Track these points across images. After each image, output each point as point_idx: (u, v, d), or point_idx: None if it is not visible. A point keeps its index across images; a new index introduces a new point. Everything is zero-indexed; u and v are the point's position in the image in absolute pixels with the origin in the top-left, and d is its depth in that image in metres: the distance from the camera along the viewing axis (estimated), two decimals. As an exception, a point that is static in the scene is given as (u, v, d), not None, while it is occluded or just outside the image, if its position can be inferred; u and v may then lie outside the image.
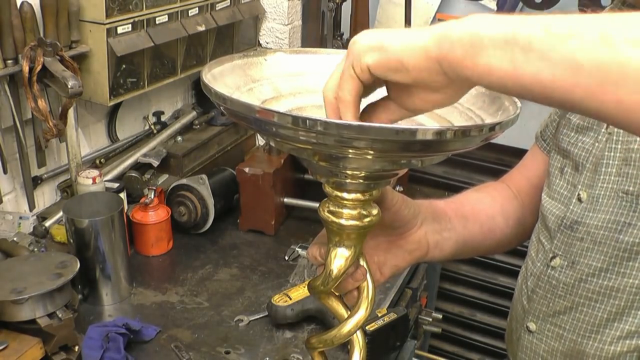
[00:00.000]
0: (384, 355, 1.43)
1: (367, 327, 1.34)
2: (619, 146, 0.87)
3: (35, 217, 1.67)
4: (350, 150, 0.56)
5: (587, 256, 0.92)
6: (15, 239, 1.51)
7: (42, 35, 1.45)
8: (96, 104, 1.69)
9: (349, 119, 0.57)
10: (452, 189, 2.17)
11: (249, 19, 2.08)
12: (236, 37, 2.04)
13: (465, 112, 0.68)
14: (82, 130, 1.75)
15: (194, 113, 2.05)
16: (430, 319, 1.81)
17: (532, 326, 1.02)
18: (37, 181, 1.66)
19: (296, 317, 1.43)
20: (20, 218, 1.62)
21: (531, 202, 1.04)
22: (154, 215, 1.67)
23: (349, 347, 0.75)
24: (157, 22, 1.66)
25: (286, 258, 1.72)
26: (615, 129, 0.88)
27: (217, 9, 1.88)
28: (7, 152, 1.53)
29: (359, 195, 0.65)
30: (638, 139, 0.85)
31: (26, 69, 1.39)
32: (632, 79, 0.44)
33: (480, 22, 0.51)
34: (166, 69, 1.79)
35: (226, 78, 0.68)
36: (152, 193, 1.67)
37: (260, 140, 2.21)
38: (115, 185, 1.68)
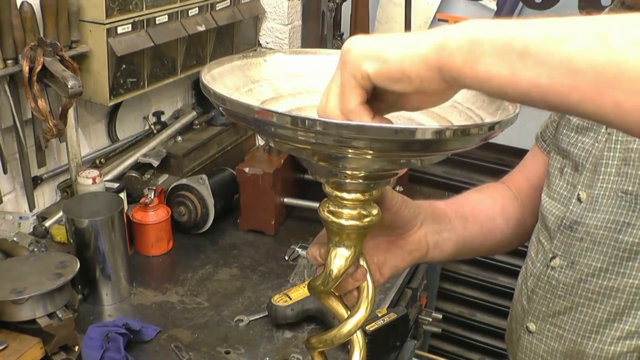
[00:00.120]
0: (384, 355, 1.43)
1: (367, 327, 1.34)
2: (619, 146, 0.87)
3: (35, 217, 1.67)
4: (350, 150, 0.56)
5: (586, 256, 0.92)
6: (15, 239, 1.51)
7: (42, 35, 1.45)
8: (96, 104, 1.69)
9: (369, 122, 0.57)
10: (452, 189, 2.17)
11: (249, 19, 2.08)
12: (236, 37, 2.04)
13: (464, 111, 0.68)
14: (82, 130, 1.75)
15: (194, 113, 2.05)
16: (430, 319, 1.81)
17: (532, 326, 1.02)
18: (37, 181, 1.66)
19: (296, 317, 1.43)
20: (20, 218, 1.62)
21: (531, 202, 1.04)
22: (154, 215, 1.67)
23: (349, 347, 0.75)
24: (157, 22, 1.67)
25: (286, 258, 1.72)
26: (615, 130, 0.88)
27: (217, 9, 1.88)
28: (7, 152, 1.53)
29: (358, 195, 0.65)
30: (637, 139, 0.85)
31: (26, 69, 1.39)
32: (628, 81, 0.44)
33: (477, 28, 0.50)
34: (166, 69, 1.79)
35: (225, 79, 0.68)
36: (152, 193, 1.67)
37: (260, 140, 2.21)
38: (115, 185, 1.68)
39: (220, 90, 0.61)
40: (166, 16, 1.69)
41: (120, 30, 1.56)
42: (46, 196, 1.73)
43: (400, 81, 0.53)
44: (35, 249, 1.51)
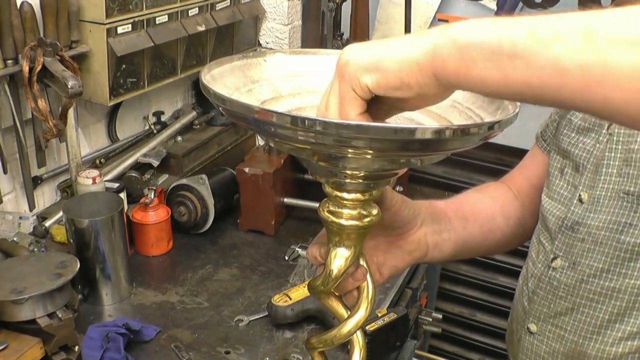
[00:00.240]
0: (384, 355, 1.43)
1: (367, 327, 1.34)
2: (620, 147, 0.87)
3: (35, 217, 1.67)
4: (350, 150, 0.56)
5: (588, 257, 0.92)
6: (15, 239, 1.51)
7: (42, 35, 1.45)
8: (96, 104, 1.69)
9: None
10: (452, 189, 2.17)
11: (249, 19, 2.08)
12: (236, 37, 2.04)
13: (464, 111, 0.68)
14: (82, 130, 1.75)
15: (194, 113, 2.05)
16: (430, 319, 1.81)
17: (533, 327, 1.01)
18: (37, 181, 1.66)
19: (296, 317, 1.43)
20: (20, 218, 1.62)
21: (531, 202, 1.04)
22: (154, 215, 1.67)
23: (349, 347, 0.74)
24: (157, 22, 1.67)
25: (286, 258, 1.72)
26: (616, 130, 0.88)
27: (217, 9, 1.88)
28: (7, 152, 1.53)
29: (358, 195, 0.65)
30: (638, 139, 0.85)
31: (26, 69, 1.39)
32: (614, 77, 0.45)
33: (465, 31, 0.51)
34: (166, 69, 1.79)
35: (225, 79, 0.68)
36: (152, 193, 1.67)
37: (260, 140, 2.21)
38: (115, 185, 1.68)
39: (220, 90, 0.61)
40: (166, 16, 1.69)
41: (120, 30, 1.56)
42: (46, 196, 1.73)
43: (400, 89, 0.55)
44: (35, 249, 1.51)
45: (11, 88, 1.45)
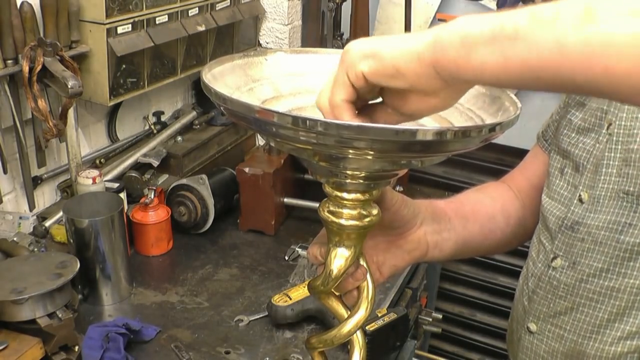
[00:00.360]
0: (384, 355, 1.43)
1: (367, 327, 1.34)
2: (619, 147, 0.87)
3: (35, 217, 1.67)
4: (350, 151, 0.56)
5: (587, 257, 0.92)
6: (15, 239, 1.51)
7: (42, 35, 1.45)
8: (96, 104, 1.69)
9: (347, 120, 0.57)
10: (452, 189, 2.17)
11: (249, 19, 2.08)
12: (236, 37, 2.04)
13: (465, 112, 0.68)
14: (82, 130, 1.75)
15: (194, 113, 2.05)
16: (430, 319, 1.81)
17: (533, 327, 1.01)
18: (37, 181, 1.66)
19: (296, 317, 1.43)
20: (20, 218, 1.62)
21: (532, 202, 1.04)
22: (154, 215, 1.67)
23: (349, 347, 0.74)
24: (157, 22, 1.66)
25: (286, 258, 1.72)
26: (615, 130, 0.88)
27: (217, 9, 1.88)
28: (7, 152, 1.53)
29: (359, 196, 0.65)
30: (638, 139, 0.85)
31: (26, 69, 1.39)
32: (616, 45, 0.46)
33: (469, 22, 0.52)
34: (166, 69, 1.79)
35: (226, 78, 0.68)
36: (152, 193, 1.67)
37: (260, 140, 2.21)
38: (115, 185, 1.68)
39: (221, 89, 0.61)
40: (166, 16, 1.69)
41: (120, 30, 1.56)
42: (46, 196, 1.73)
43: (394, 78, 0.55)
44: (35, 249, 1.51)
45: (11, 88, 1.45)
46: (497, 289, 2.38)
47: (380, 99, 0.62)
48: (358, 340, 0.73)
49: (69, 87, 1.36)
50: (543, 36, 0.48)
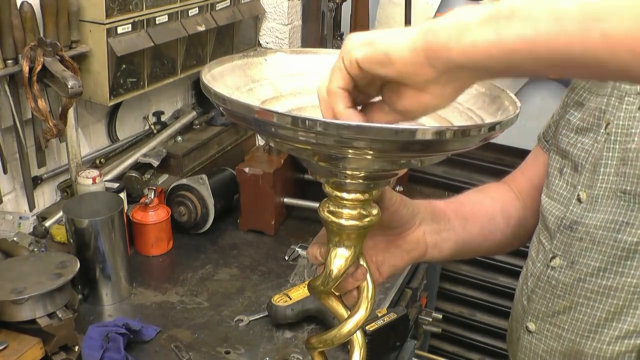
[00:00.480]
0: (384, 355, 1.43)
1: (367, 327, 1.34)
2: (617, 146, 0.88)
3: (35, 217, 1.67)
4: (350, 151, 0.56)
5: (586, 256, 0.92)
6: (15, 239, 1.51)
7: (42, 35, 1.45)
8: (96, 104, 1.69)
9: (340, 109, 0.58)
10: (452, 189, 2.17)
11: (249, 19, 2.08)
12: (236, 37, 2.04)
13: (465, 112, 0.68)
14: (82, 130, 1.75)
15: (194, 113, 2.05)
16: (430, 319, 1.81)
17: (532, 326, 1.02)
18: (37, 181, 1.66)
19: (296, 317, 1.43)
20: (20, 218, 1.62)
21: (532, 202, 1.04)
22: (154, 215, 1.67)
23: (349, 347, 0.75)
24: (157, 22, 1.66)
25: (286, 258, 1.72)
26: (613, 130, 0.88)
27: (217, 9, 1.88)
28: (7, 152, 1.53)
29: (358, 195, 0.65)
30: (635, 138, 0.85)
31: (26, 69, 1.39)
32: (614, 11, 0.45)
33: (465, 10, 0.53)
34: (166, 69, 1.79)
35: (226, 78, 0.68)
36: (152, 193, 1.67)
37: (260, 140, 2.21)
38: (115, 185, 1.68)
39: (221, 89, 0.61)
40: (166, 16, 1.69)
41: (120, 30, 1.56)
42: (46, 196, 1.73)
43: (385, 65, 0.55)
44: (35, 249, 1.51)
45: (11, 88, 1.45)
46: (497, 289, 2.38)
47: (380, 97, 0.62)
48: (358, 340, 0.73)
49: (69, 87, 1.36)
50: (539, 9, 0.48)
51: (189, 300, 1.53)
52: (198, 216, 1.76)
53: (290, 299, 1.43)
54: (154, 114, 1.99)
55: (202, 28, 1.81)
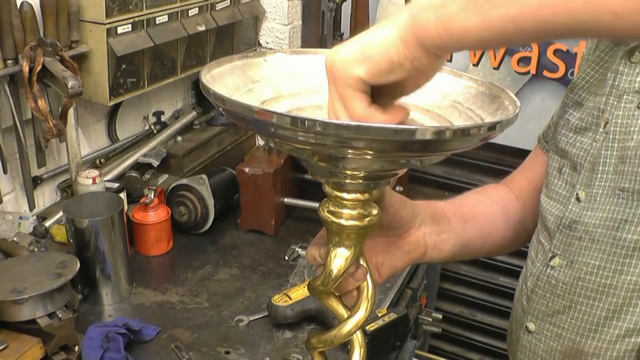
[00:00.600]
0: (384, 355, 1.43)
1: (367, 327, 1.34)
2: (616, 144, 0.88)
3: (35, 217, 1.67)
4: (350, 151, 0.56)
5: (585, 255, 0.92)
6: (15, 239, 1.51)
7: (42, 35, 1.45)
8: (96, 104, 1.69)
9: (389, 122, 0.58)
10: (452, 189, 2.17)
11: (249, 19, 2.08)
12: (236, 37, 2.04)
13: (465, 111, 0.68)
14: (82, 130, 1.75)
15: (194, 113, 2.05)
16: (430, 319, 1.81)
17: (532, 326, 1.02)
18: (37, 181, 1.66)
19: (296, 317, 1.43)
20: (20, 218, 1.62)
21: (532, 204, 1.04)
22: (154, 215, 1.67)
23: (349, 347, 0.75)
24: (157, 22, 1.67)
25: (286, 258, 1.72)
26: (612, 128, 0.88)
27: (217, 9, 1.88)
28: (7, 152, 1.53)
29: (358, 196, 0.65)
30: (634, 136, 0.85)
31: (26, 69, 1.39)
32: None
33: None
34: (166, 69, 1.79)
35: (226, 79, 0.68)
36: (152, 193, 1.67)
37: (260, 140, 2.21)
38: (115, 185, 1.68)
39: (220, 90, 0.61)
40: (166, 16, 1.69)
41: (120, 30, 1.56)
42: (46, 196, 1.73)
43: (393, 71, 0.55)
44: (35, 249, 1.51)
45: (11, 88, 1.45)
46: (497, 289, 2.38)
47: None
48: (358, 340, 0.73)
49: (69, 87, 1.36)
50: None
51: (189, 300, 1.53)
52: (198, 216, 1.76)
53: (290, 299, 1.43)
54: (154, 114, 1.99)
55: (202, 28, 1.81)
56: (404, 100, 0.67)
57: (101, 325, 1.33)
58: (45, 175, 1.69)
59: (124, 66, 1.62)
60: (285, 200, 1.86)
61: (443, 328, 2.12)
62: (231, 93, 0.67)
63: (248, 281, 1.62)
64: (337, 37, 2.14)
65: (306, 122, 0.53)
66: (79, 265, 1.30)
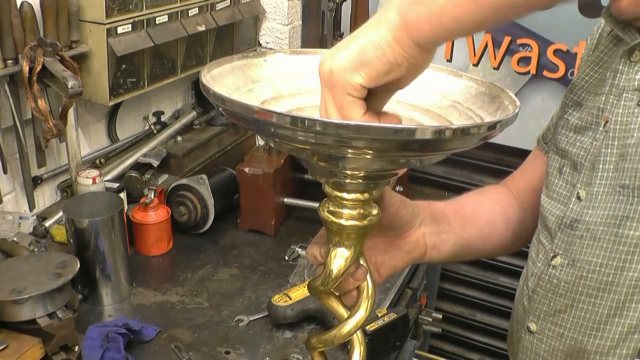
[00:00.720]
0: (384, 355, 1.43)
1: (367, 327, 1.34)
2: (616, 142, 0.88)
3: (35, 217, 1.67)
4: (349, 150, 0.56)
5: (587, 253, 0.92)
6: (15, 239, 1.51)
7: (42, 35, 1.45)
8: (96, 104, 1.69)
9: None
10: (452, 189, 2.17)
11: (249, 19, 2.08)
12: (236, 37, 2.04)
13: (465, 111, 0.68)
14: (82, 130, 1.75)
15: (194, 113, 2.05)
16: (430, 319, 1.81)
17: (533, 326, 1.01)
18: (37, 181, 1.66)
19: (296, 317, 1.43)
20: (20, 218, 1.62)
21: (532, 205, 1.04)
22: (154, 215, 1.67)
23: (349, 347, 0.75)
24: (157, 22, 1.67)
25: (286, 258, 1.72)
26: (612, 126, 0.88)
27: (217, 9, 1.88)
28: (7, 152, 1.53)
29: (358, 195, 0.65)
30: (634, 134, 0.85)
31: (26, 69, 1.39)
32: None
33: None
34: (166, 69, 1.79)
35: (226, 79, 0.68)
36: (152, 193, 1.67)
37: (260, 140, 2.21)
38: (115, 185, 1.68)
39: (220, 90, 0.61)
40: (166, 16, 1.69)
41: (120, 30, 1.56)
42: (46, 196, 1.73)
43: (392, 71, 0.56)
44: (35, 249, 1.51)
45: (11, 88, 1.45)
46: (497, 289, 2.38)
47: None
48: (358, 340, 0.73)
49: (69, 87, 1.36)
50: None
51: (189, 300, 1.53)
52: (198, 216, 1.76)
53: (290, 299, 1.43)
54: (154, 114, 1.99)
55: (202, 28, 1.81)
56: (403, 100, 0.67)
57: (101, 325, 1.33)
58: (45, 175, 1.69)
59: (124, 66, 1.62)
60: (285, 200, 1.86)
61: (443, 328, 2.12)
62: (231, 93, 0.67)
63: (248, 281, 1.62)
64: (337, 37, 2.14)
65: (306, 121, 0.53)
66: (79, 265, 1.30)
